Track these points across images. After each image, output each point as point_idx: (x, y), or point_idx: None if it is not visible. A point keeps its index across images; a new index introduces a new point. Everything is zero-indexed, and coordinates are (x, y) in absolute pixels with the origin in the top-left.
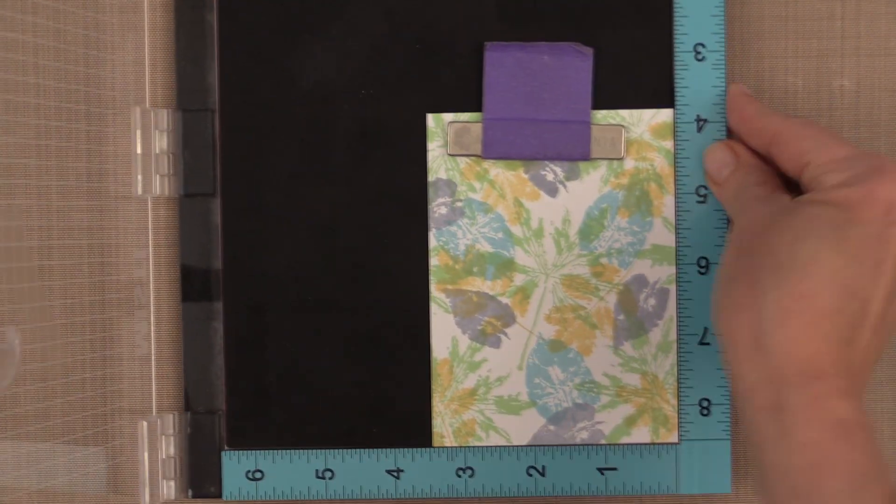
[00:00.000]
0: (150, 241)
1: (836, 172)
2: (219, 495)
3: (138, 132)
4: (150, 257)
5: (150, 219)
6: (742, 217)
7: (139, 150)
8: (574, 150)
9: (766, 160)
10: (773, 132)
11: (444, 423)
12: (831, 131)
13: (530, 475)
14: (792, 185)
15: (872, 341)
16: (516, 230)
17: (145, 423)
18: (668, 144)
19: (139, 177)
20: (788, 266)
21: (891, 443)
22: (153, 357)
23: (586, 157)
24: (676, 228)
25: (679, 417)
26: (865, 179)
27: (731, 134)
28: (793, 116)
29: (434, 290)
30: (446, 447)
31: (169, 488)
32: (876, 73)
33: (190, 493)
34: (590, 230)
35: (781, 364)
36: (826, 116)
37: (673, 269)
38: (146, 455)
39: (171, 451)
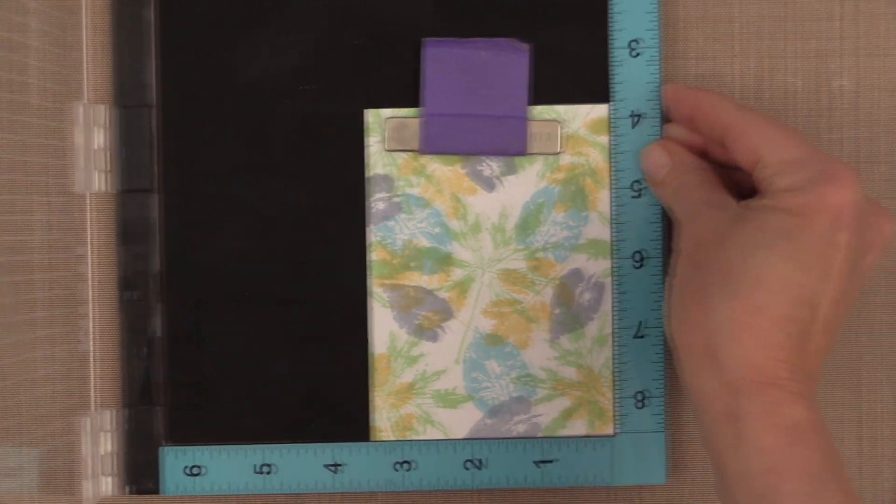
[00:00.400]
0: (89, 238)
1: (787, 175)
2: (157, 491)
3: (80, 128)
4: (90, 254)
5: (88, 215)
6: (691, 225)
7: (81, 147)
8: (511, 145)
9: (704, 157)
10: (725, 125)
11: (383, 418)
12: (784, 126)
13: (468, 468)
14: (732, 182)
15: (822, 342)
16: (454, 225)
17: (88, 419)
18: (604, 140)
19: (81, 173)
20: (739, 279)
21: (890, 443)
22: (91, 353)
23: (523, 153)
24: (612, 223)
25: (615, 410)
26: (816, 185)
27: (669, 129)
28: (746, 107)
29: (372, 285)
30: (385, 441)
31: (107, 484)
32: (875, 73)
33: (128, 489)
34: (526, 225)
35: (735, 374)
36: (826, 116)
37: (609, 264)
38: (89, 450)
39: (110, 447)
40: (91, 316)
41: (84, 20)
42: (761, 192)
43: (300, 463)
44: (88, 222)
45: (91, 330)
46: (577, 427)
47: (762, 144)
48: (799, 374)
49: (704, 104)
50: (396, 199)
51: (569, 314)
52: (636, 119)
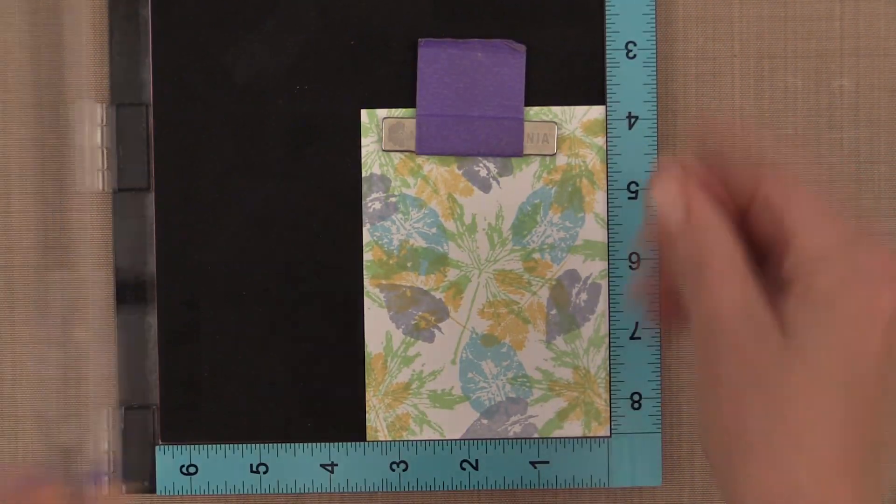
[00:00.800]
0: (83, 237)
1: (826, 273)
2: (152, 490)
3: (83, 127)
4: (84, 253)
5: (83, 214)
6: (720, 347)
7: (86, 145)
8: (507, 146)
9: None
10: (756, 190)
11: (378, 418)
12: (822, 199)
13: (464, 469)
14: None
15: (889, 457)
16: (450, 225)
17: (84, 418)
18: (600, 141)
19: (82, 172)
20: (785, 429)
21: None
22: (87, 353)
23: (519, 154)
24: (608, 224)
25: (610, 411)
26: (863, 284)
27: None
28: (781, 167)
29: (368, 285)
30: (380, 441)
31: (102, 484)
32: (875, 73)
33: (123, 488)
34: (522, 226)
35: None
36: (826, 116)
37: (605, 265)
38: (92, 447)
39: (105, 446)
40: (86, 315)
41: (81, 19)
42: (795, 285)
43: (295, 463)
44: (82, 221)
45: (86, 329)
46: (573, 428)
47: (798, 224)
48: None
49: (733, 154)
50: (392, 200)
51: (564, 315)
52: (632, 121)
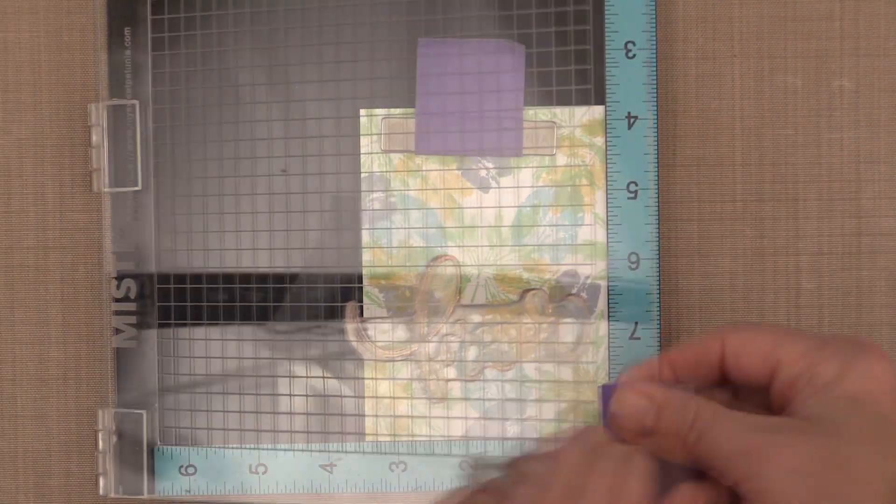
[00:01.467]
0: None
1: (824, 363)
2: (151, 491)
3: (96, 129)
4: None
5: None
6: (756, 465)
7: (104, 146)
8: (506, 146)
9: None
10: (721, 345)
11: (377, 418)
12: (776, 326)
13: (463, 469)
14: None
15: None
16: (449, 225)
17: (110, 412)
18: (600, 141)
19: (85, 172)
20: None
21: None
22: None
23: (518, 154)
24: (608, 224)
25: None
26: (857, 361)
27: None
28: (735, 326)
29: (367, 285)
30: (379, 441)
31: (101, 484)
32: (875, 73)
33: (121, 488)
34: (521, 226)
35: None
36: (826, 116)
37: (604, 265)
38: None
39: (103, 446)
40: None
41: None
42: (796, 396)
43: (294, 463)
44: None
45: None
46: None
47: (775, 344)
48: None
49: (690, 350)
50: (391, 199)
51: (564, 315)
52: (632, 121)
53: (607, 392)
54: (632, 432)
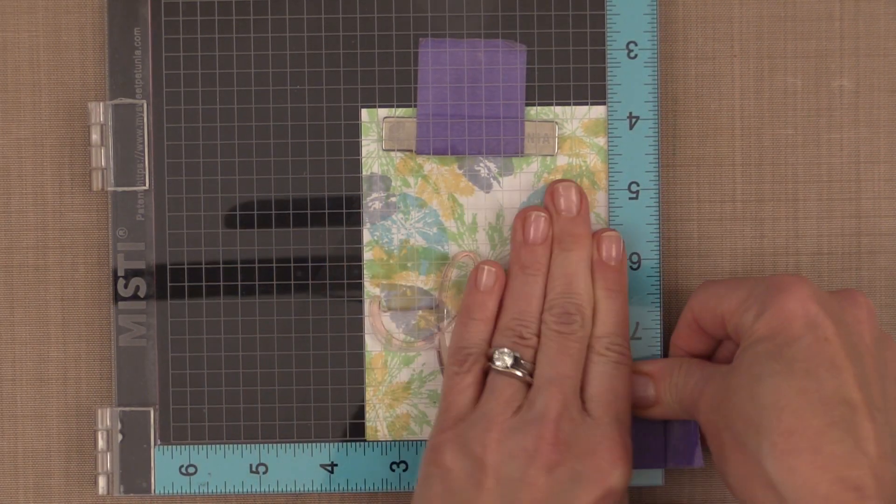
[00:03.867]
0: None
1: (748, 311)
2: (151, 490)
3: (96, 128)
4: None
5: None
6: (701, 401)
7: (108, 145)
8: (507, 145)
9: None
10: (690, 313)
11: (378, 417)
12: (725, 280)
13: None
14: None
15: (879, 422)
16: (450, 225)
17: (110, 411)
18: (601, 141)
19: (85, 171)
20: (762, 417)
21: None
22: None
23: (519, 153)
24: (609, 224)
25: None
26: (772, 302)
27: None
28: (700, 292)
29: (368, 285)
30: (380, 441)
31: (101, 483)
32: (875, 73)
33: (122, 488)
34: None
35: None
36: (826, 116)
37: None
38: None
39: (103, 446)
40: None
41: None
42: (740, 341)
43: (295, 462)
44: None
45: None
46: None
47: (718, 303)
48: (867, 481)
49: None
50: (393, 199)
51: None
52: (633, 121)
53: None
54: (641, 408)
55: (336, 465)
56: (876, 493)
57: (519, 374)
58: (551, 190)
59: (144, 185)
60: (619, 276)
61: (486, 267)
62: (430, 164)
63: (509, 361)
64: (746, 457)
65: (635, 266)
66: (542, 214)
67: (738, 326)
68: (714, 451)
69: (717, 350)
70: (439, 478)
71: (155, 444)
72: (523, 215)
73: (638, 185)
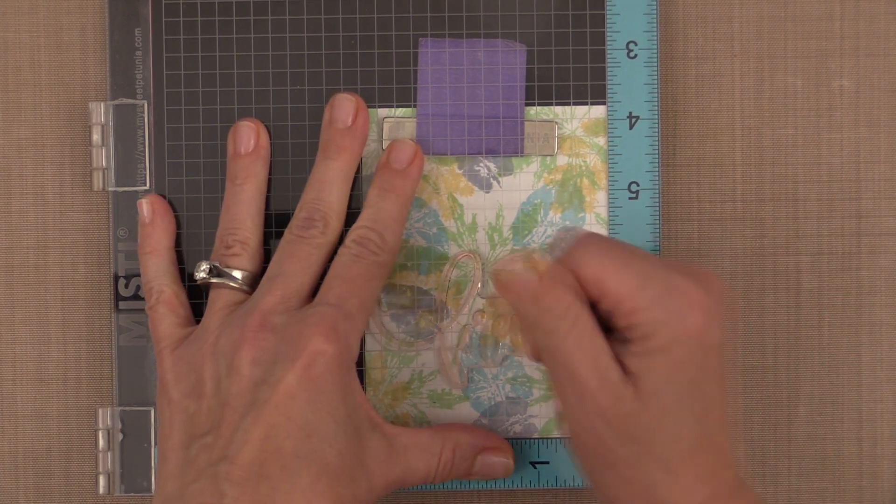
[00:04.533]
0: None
1: (642, 313)
2: (151, 489)
3: (97, 128)
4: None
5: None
6: (572, 391)
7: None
8: (507, 145)
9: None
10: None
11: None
12: (609, 249)
13: None
14: None
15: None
16: (450, 225)
17: (109, 410)
18: (601, 141)
19: (85, 171)
20: (663, 447)
21: (890, 443)
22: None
23: (519, 153)
24: (609, 224)
25: None
26: (677, 319)
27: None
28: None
29: None
30: None
31: (101, 483)
32: (875, 73)
33: (123, 487)
34: (523, 225)
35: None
36: (826, 116)
37: None
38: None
39: (104, 445)
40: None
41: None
42: (622, 331)
43: None
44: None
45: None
46: None
47: (602, 278)
48: (723, 478)
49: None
50: None
51: None
52: (633, 121)
53: None
54: (517, 299)
55: None
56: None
57: (215, 281)
58: (330, 101)
59: (145, 185)
60: (400, 180)
61: (143, 200)
62: (429, 164)
63: (202, 274)
64: (640, 471)
65: None
66: (248, 125)
67: (629, 325)
68: (593, 465)
69: None
70: (167, 409)
71: (156, 444)
72: (233, 128)
73: (638, 185)
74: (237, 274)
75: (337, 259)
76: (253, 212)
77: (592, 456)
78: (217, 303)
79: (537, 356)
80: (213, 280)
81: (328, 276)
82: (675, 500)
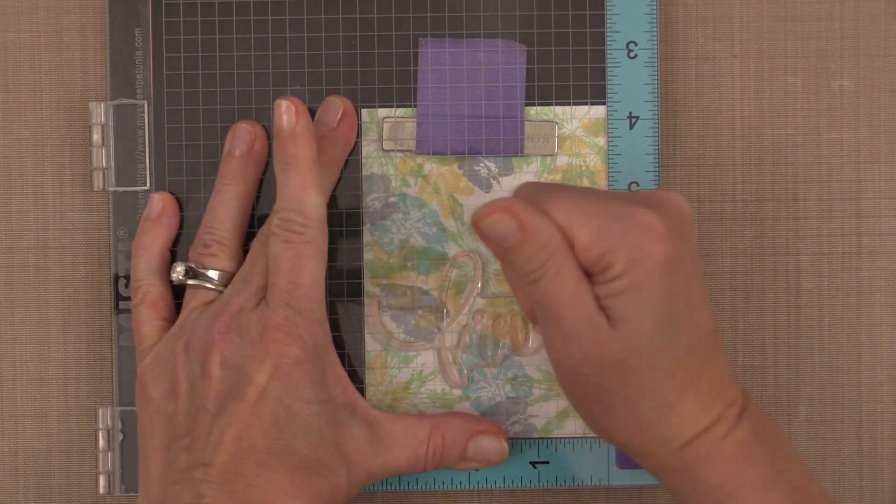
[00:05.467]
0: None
1: (609, 255)
2: None
3: (97, 128)
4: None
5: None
6: (569, 341)
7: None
8: (507, 145)
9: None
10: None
11: None
12: (571, 195)
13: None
14: None
15: (719, 346)
16: (450, 225)
17: (109, 410)
18: (601, 141)
19: (86, 171)
20: (654, 384)
21: (890, 443)
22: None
23: (519, 153)
24: None
25: None
26: (633, 250)
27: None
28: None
29: (368, 285)
30: None
31: (101, 483)
32: (875, 73)
33: (123, 487)
34: None
35: (678, 440)
36: (826, 116)
37: None
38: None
39: (104, 445)
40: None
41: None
42: (602, 285)
43: None
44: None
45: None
46: (573, 428)
47: (570, 224)
48: (726, 400)
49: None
50: (392, 199)
51: None
52: (633, 121)
53: None
54: (494, 250)
55: None
56: (733, 410)
57: (192, 283)
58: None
59: (145, 185)
60: (293, 148)
61: (156, 195)
62: (429, 164)
63: (178, 276)
64: (629, 407)
65: None
66: (248, 128)
67: (599, 268)
68: (581, 403)
69: None
70: (146, 409)
71: None
72: (233, 128)
73: (638, 185)
74: (213, 274)
75: (270, 249)
76: (234, 213)
77: (588, 402)
78: (192, 302)
79: (533, 315)
80: (189, 282)
81: (270, 270)
82: (679, 432)
